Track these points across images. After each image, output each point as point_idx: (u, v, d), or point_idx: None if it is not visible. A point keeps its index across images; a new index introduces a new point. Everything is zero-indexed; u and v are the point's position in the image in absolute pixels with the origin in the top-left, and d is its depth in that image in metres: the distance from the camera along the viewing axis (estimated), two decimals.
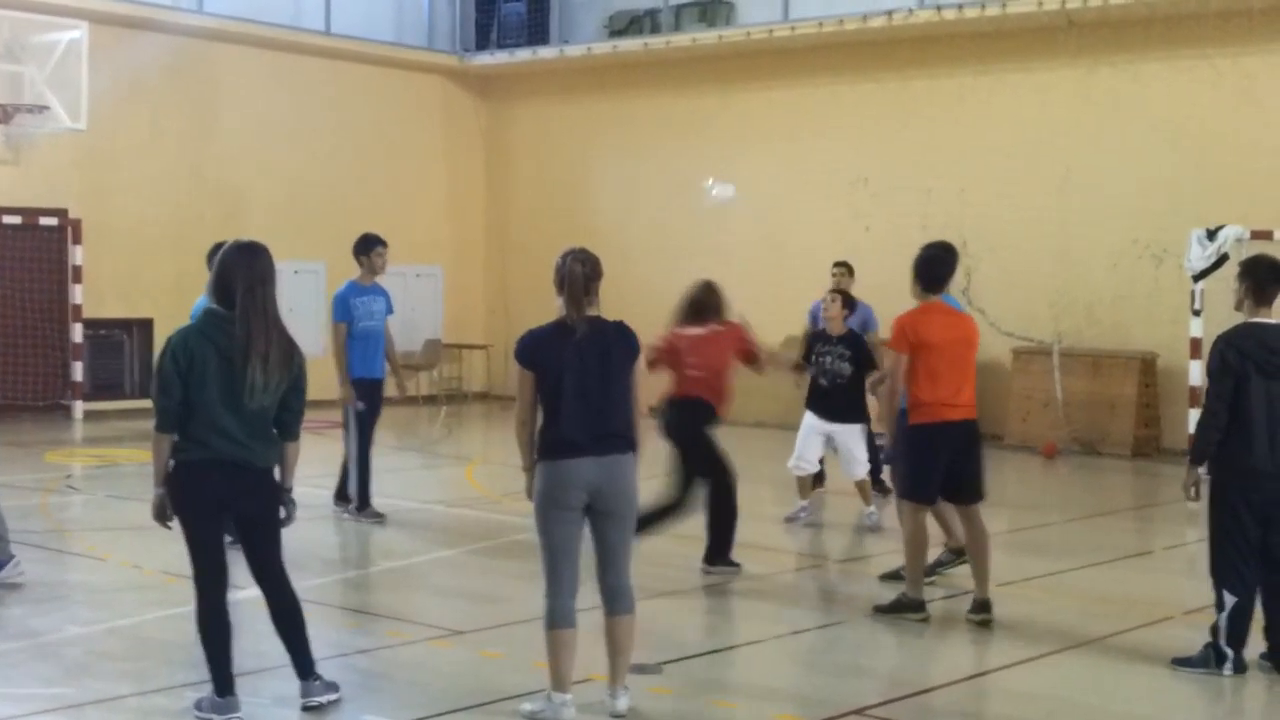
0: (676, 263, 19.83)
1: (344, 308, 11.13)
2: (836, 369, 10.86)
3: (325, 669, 6.45)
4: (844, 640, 8.16)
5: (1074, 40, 17.42)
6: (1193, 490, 7.31)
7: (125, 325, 19.39)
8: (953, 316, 8.32)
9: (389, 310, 11.37)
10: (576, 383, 6.13)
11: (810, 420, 11.13)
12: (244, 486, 6.06)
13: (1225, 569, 7.13)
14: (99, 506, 12.57)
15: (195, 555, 6.06)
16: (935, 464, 8.09)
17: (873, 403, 10.74)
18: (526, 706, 6.29)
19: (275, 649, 6.44)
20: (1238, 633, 7.11)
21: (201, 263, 6.19)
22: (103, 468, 14.78)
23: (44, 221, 18.46)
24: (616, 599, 6.30)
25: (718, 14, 20.51)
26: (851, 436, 11.10)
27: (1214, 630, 7.16)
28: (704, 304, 9.73)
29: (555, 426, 6.14)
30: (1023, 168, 17.85)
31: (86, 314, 18.75)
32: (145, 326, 19.21)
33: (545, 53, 21.69)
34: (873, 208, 18.92)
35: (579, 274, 6.21)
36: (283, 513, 6.23)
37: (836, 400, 10.94)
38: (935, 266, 8.25)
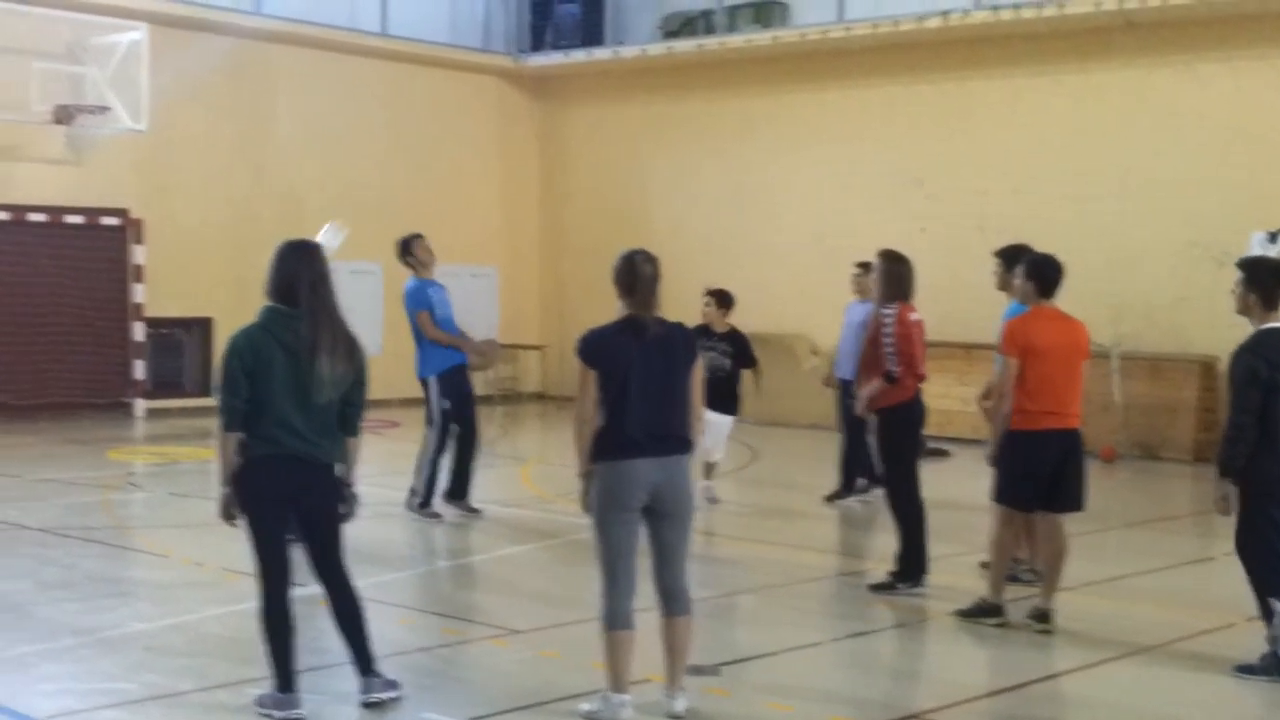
0: (730, 264, 19.84)
1: (421, 296, 11.22)
2: (719, 363, 11.73)
3: (385, 666, 6.49)
4: (901, 644, 8.13)
5: (1132, 41, 17.29)
6: (1224, 505, 7.10)
7: (185, 324, 19.60)
8: (1064, 322, 8.02)
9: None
10: (642, 383, 6.12)
11: None
12: (309, 482, 6.12)
13: (1269, 577, 7.05)
14: (160, 504, 12.70)
15: (259, 551, 6.12)
16: (1033, 472, 7.92)
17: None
18: (584, 707, 6.30)
19: (336, 646, 6.49)
20: None
21: (259, 262, 6.25)
22: (164, 465, 14.93)
23: (105, 221, 18.69)
24: (674, 600, 6.30)
25: (772, 15, 20.47)
26: (722, 426, 11.81)
27: (1271, 640, 7.07)
28: (906, 277, 8.93)
29: (619, 427, 6.12)
30: (1080, 169, 17.71)
31: (147, 313, 18.98)
32: (204, 325, 19.41)
33: (600, 54, 21.71)
34: (928, 209, 18.83)
35: (649, 274, 6.21)
36: (344, 509, 6.29)
37: (715, 390, 11.44)
38: (1047, 270, 8.02)
